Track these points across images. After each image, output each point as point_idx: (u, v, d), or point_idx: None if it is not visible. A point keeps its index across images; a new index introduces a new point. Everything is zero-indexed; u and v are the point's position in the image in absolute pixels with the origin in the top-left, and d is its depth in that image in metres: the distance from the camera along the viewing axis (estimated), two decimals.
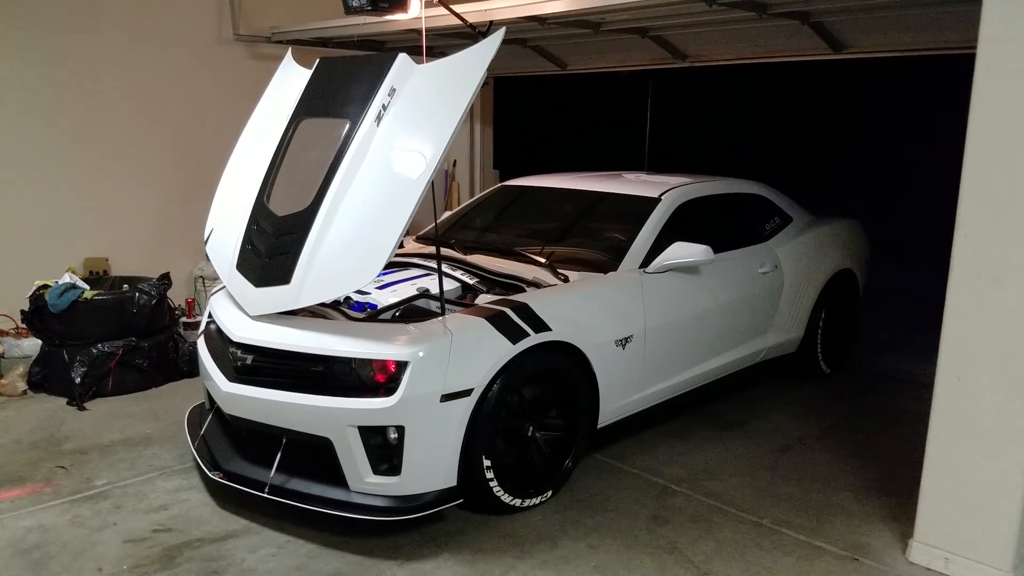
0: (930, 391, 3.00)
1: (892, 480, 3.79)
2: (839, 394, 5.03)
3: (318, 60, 3.81)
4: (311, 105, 3.70)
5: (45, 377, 4.84)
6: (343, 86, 3.56)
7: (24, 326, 5.15)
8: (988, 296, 2.79)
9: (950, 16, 4.58)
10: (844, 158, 9.75)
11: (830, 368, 5.25)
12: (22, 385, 4.80)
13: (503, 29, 3.22)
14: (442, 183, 8.09)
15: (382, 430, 3.05)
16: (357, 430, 3.04)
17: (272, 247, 3.40)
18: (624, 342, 3.73)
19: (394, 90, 3.36)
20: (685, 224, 4.26)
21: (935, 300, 3.10)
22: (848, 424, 4.53)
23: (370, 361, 3.07)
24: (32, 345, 5.25)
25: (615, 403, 3.80)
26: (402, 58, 3.40)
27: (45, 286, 4.84)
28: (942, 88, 8.63)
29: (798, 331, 4.96)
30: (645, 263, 3.98)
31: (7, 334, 5.48)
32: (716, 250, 3.98)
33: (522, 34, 5.99)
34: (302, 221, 3.32)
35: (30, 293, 4.86)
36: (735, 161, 8.93)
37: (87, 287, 4.93)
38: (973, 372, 2.86)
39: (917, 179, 8.93)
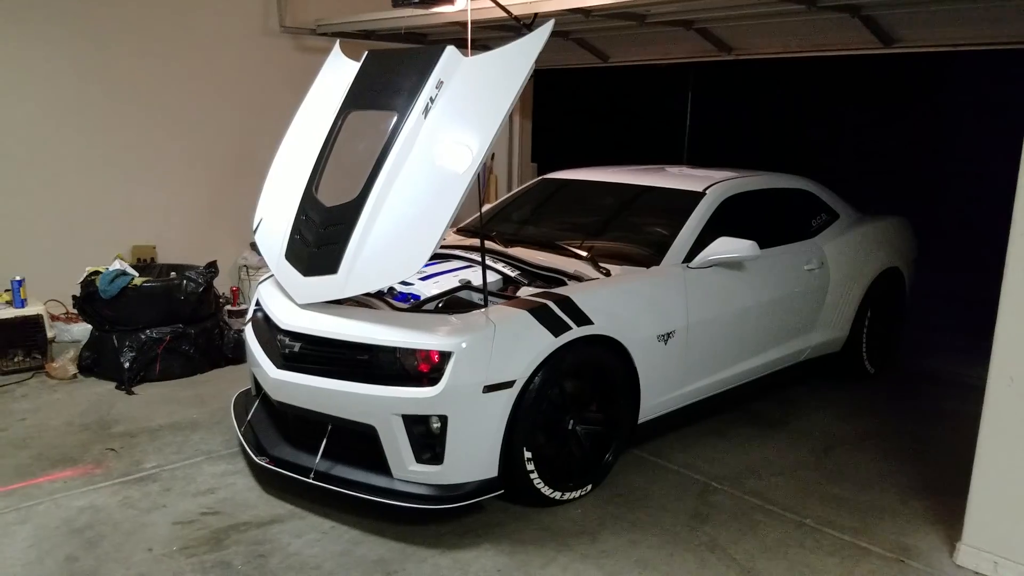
0: (977, 393, 2.94)
1: (939, 482, 3.72)
2: (884, 394, 4.95)
3: (366, 53, 3.84)
4: (359, 97, 3.73)
5: (95, 361, 4.97)
6: (391, 78, 3.58)
7: (75, 311, 5.28)
8: None
9: (1005, 10, 4.46)
10: (891, 154, 9.56)
11: (875, 368, 5.17)
12: (72, 369, 4.93)
13: (551, 22, 3.20)
14: (481, 175, 8.09)
15: (425, 419, 3.08)
16: (401, 419, 3.07)
17: (320, 237, 3.45)
18: (666, 337, 3.71)
19: (441, 83, 3.38)
20: (730, 219, 4.21)
21: (980, 302, 3.03)
22: (893, 425, 4.45)
23: (414, 351, 3.10)
24: (82, 330, 5.37)
25: (656, 399, 3.78)
26: (450, 51, 3.41)
27: (96, 272, 4.95)
28: (995, 83, 8.44)
29: (843, 330, 4.89)
30: (689, 258, 3.95)
31: (58, 319, 5.61)
32: (762, 246, 3.93)
33: (565, 26, 5.96)
34: (350, 212, 3.36)
35: (81, 279, 4.98)
36: (778, 156, 8.80)
37: (136, 274, 5.04)
38: None
39: (965, 176, 8.72)
